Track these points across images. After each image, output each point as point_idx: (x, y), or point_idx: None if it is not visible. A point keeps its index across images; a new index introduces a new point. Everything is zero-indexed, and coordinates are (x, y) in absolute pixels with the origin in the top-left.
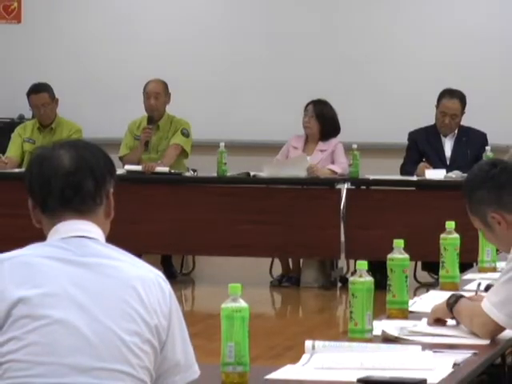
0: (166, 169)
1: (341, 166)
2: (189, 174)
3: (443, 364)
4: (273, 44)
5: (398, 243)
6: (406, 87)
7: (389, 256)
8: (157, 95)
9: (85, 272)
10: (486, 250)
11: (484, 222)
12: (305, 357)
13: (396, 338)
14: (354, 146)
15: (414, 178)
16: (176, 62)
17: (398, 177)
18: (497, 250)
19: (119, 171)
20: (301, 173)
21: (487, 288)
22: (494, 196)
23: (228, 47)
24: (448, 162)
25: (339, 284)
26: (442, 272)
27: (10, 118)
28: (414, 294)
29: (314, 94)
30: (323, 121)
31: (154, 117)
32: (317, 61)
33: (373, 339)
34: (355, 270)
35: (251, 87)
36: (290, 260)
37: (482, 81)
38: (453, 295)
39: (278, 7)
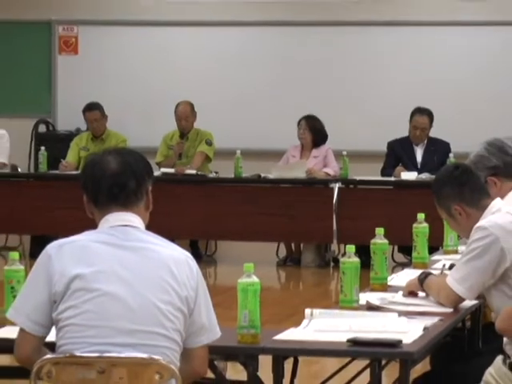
0: (193, 171)
1: (333, 169)
2: (211, 175)
3: (415, 328)
4: (278, 71)
5: (379, 231)
6: (384, 105)
7: (372, 241)
8: (186, 117)
9: (128, 254)
10: (449, 237)
11: (449, 213)
12: (305, 322)
13: (377, 306)
14: (344, 153)
15: (392, 179)
16: (201, 85)
17: (379, 178)
18: (458, 236)
19: (156, 173)
20: (301, 175)
21: (451, 267)
22: (456, 192)
23: (242, 74)
24: (419, 166)
25: (332, 264)
26: (414, 254)
27: (69, 131)
28: (392, 272)
29: (311, 110)
30: (314, 132)
31: (185, 133)
32: (313, 83)
33: (359, 307)
34: (345, 253)
35: (261, 106)
36: (292, 244)
37: (447, 100)
38: (423, 272)
39: (282, 42)
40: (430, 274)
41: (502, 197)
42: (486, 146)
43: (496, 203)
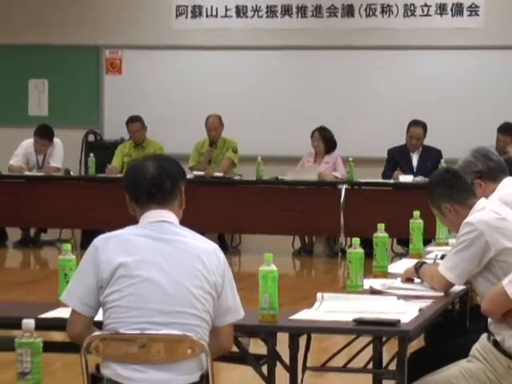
0: (220, 174)
1: (341, 173)
2: (236, 178)
3: (411, 309)
4: (294, 88)
5: (381, 226)
6: (385, 118)
7: (374, 235)
8: (215, 128)
9: (165, 245)
10: (441, 231)
11: (440, 211)
12: (316, 304)
13: (379, 291)
14: (350, 159)
15: (391, 181)
16: (228, 100)
17: (380, 180)
18: (449, 231)
19: (188, 176)
20: (313, 177)
21: (442, 257)
22: (447, 193)
23: (263, 91)
24: (415, 170)
25: (340, 254)
26: (410, 246)
27: (114, 140)
28: (392, 261)
29: (323, 122)
30: (326, 141)
31: (214, 142)
32: (325, 99)
33: (363, 292)
34: (351, 244)
35: (279, 118)
36: (305, 237)
37: (439, 114)
38: (418, 262)
39: (298, 64)
40: (424, 263)
41: (487, 197)
42: (472, 152)
43: (481, 202)
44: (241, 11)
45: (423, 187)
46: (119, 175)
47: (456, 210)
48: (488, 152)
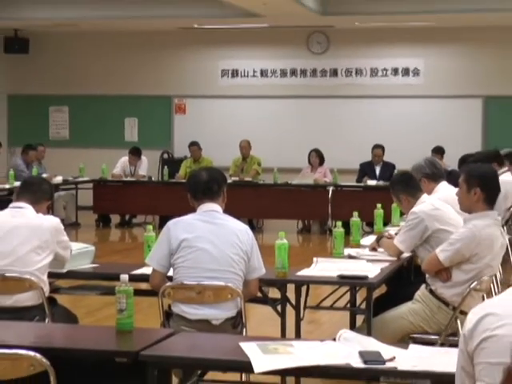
0: (250, 179)
1: (329, 179)
2: (260, 182)
3: (375, 268)
4: (298, 123)
5: (355, 213)
6: (358, 143)
7: (351, 219)
8: (246, 149)
9: (213, 226)
10: (395, 217)
11: (399, 200)
12: (313, 265)
13: (354, 256)
14: (335, 170)
15: (362, 184)
16: (255, 130)
17: (355, 183)
18: (400, 216)
19: (228, 181)
20: (310, 182)
21: (396, 233)
22: (404, 188)
23: (278, 123)
24: (377, 177)
25: (328, 232)
26: (375, 226)
27: (181, 157)
28: (362, 237)
29: (318, 144)
30: (319, 158)
31: (246, 158)
32: (319, 130)
33: (344, 257)
34: (336, 225)
35: (288, 142)
36: (305, 221)
37: (394, 140)
38: (379, 236)
39: (300, 106)
40: (382, 237)
41: (428, 193)
42: (425, 159)
43: (424, 197)
44: (263, 73)
45: (384, 188)
46: (183, 181)
47: (409, 200)
48: (435, 161)
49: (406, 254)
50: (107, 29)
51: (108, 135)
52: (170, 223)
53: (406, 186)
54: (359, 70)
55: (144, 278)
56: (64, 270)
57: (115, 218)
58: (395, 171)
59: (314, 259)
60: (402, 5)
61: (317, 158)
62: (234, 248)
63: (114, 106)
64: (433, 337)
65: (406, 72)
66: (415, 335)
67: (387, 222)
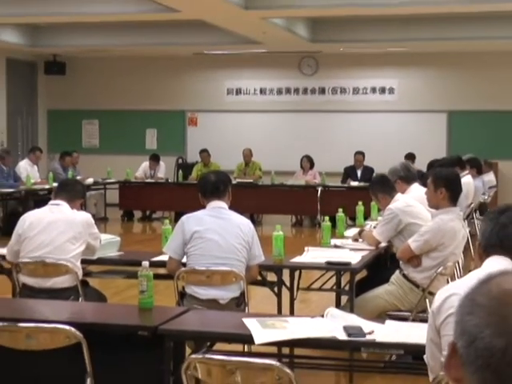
0: (251, 181)
1: (318, 180)
2: (260, 183)
3: (357, 256)
4: (293, 133)
5: (340, 209)
6: (342, 150)
7: (337, 214)
8: (248, 156)
9: (220, 220)
10: (374, 212)
11: (377, 198)
12: (304, 253)
13: (340, 246)
14: (323, 172)
15: (346, 185)
16: (256, 139)
17: (340, 184)
18: (378, 212)
19: (233, 182)
20: (302, 183)
21: (375, 226)
22: (381, 188)
23: (275, 134)
24: (359, 179)
25: (317, 225)
26: (356, 221)
27: (193, 162)
28: (346, 229)
29: (308, 152)
30: (309, 163)
31: (248, 163)
32: (310, 138)
33: (331, 247)
34: (324, 220)
35: (283, 149)
36: (298, 216)
37: (373, 148)
38: (361, 229)
39: (295, 119)
40: (363, 230)
41: (402, 192)
42: (400, 163)
43: (398, 195)
44: (262, 91)
45: (364, 188)
46: (195, 182)
47: (385, 199)
48: (409, 165)
49: (383, 244)
50: (131, 54)
51: (131, 144)
52: (184, 218)
53: (382, 186)
54: (343, 89)
55: (162, 264)
56: (95, 257)
57: (137, 214)
58: (374, 174)
59: (306, 248)
60: (380, 34)
61: (307, 162)
62: (238, 239)
63: (136, 119)
64: (405, 313)
65: (382, 90)
66: (391, 312)
67: (367, 216)
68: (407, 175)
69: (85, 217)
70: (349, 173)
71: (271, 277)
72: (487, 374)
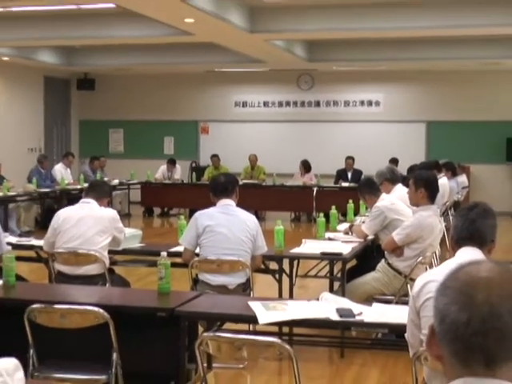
0: (256, 182)
1: (314, 182)
2: (264, 184)
3: (348, 247)
4: (292, 140)
5: (333, 207)
6: (335, 155)
7: (330, 211)
8: (253, 160)
9: (229, 216)
10: (362, 210)
11: (364, 198)
12: (302, 245)
13: (332, 238)
14: (319, 175)
15: (338, 186)
16: (261, 146)
17: (333, 185)
18: (366, 209)
19: (240, 183)
20: (300, 184)
21: (363, 222)
22: (368, 189)
23: (277, 141)
24: (349, 180)
25: (313, 221)
26: (347, 217)
27: (205, 165)
28: (338, 224)
29: (305, 156)
30: (307, 166)
31: (253, 167)
32: (307, 144)
33: (325, 239)
34: (319, 216)
35: (284, 155)
36: (296, 212)
37: (361, 153)
38: (351, 224)
39: (294, 128)
40: (353, 225)
41: (388, 192)
42: (387, 167)
43: (383, 195)
44: (265, 104)
45: (354, 188)
46: (207, 183)
47: (372, 199)
48: (394, 169)
49: (371, 237)
50: (152, 72)
51: (151, 149)
52: (197, 214)
53: (369, 188)
54: (336, 102)
55: (178, 254)
56: (120, 248)
57: (157, 210)
58: (362, 176)
59: (303, 240)
60: (368, 54)
61: (305, 166)
62: (244, 232)
63: (155, 128)
64: (390, 297)
65: (370, 103)
66: (377, 296)
67: (356, 213)
68: (392, 177)
69: (111, 213)
70: (340, 175)
71: (273, 265)
72: (457, 346)
